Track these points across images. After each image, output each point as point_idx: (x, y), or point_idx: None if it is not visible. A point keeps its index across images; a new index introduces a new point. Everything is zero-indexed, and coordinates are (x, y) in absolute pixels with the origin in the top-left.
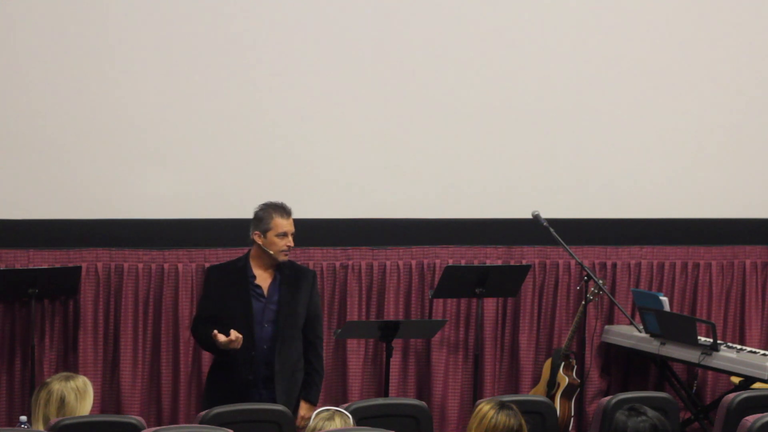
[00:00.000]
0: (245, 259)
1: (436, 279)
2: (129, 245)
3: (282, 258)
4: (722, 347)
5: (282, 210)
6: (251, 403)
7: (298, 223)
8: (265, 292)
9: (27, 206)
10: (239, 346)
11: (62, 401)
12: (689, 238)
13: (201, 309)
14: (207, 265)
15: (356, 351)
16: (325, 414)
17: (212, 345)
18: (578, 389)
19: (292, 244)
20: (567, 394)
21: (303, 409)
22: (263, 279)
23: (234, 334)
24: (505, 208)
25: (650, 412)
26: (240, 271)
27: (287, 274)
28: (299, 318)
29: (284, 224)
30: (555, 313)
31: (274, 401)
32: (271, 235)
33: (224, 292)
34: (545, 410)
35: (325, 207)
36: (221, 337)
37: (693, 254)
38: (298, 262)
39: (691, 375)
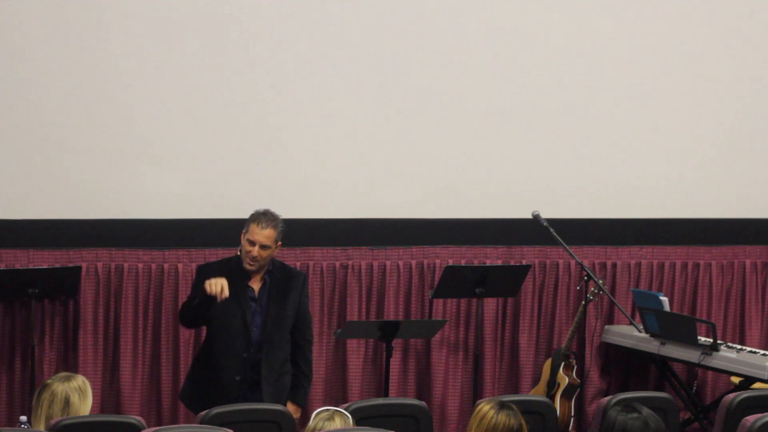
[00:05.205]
0: (237, 259)
1: (436, 279)
2: (129, 245)
3: (247, 265)
4: (722, 347)
5: (262, 218)
6: (251, 403)
7: (298, 222)
8: (256, 293)
9: (27, 206)
10: (225, 297)
11: (67, 402)
12: (689, 238)
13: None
14: None
15: (356, 351)
16: (324, 414)
17: (198, 310)
18: (578, 389)
19: (255, 254)
20: (567, 394)
21: (289, 410)
22: (254, 281)
23: (221, 282)
24: (505, 208)
25: (645, 411)
26: (234, 270)
27: (277, 277)
28: (287, 321)
29: (255, 232)
30: (555, 313)
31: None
32: (244, 237)
33: None
34: (545, 410)
35: (325, 207)
36: (213, 285)
37: (693, 254)
38: (298, 263)
39: (691, 375)
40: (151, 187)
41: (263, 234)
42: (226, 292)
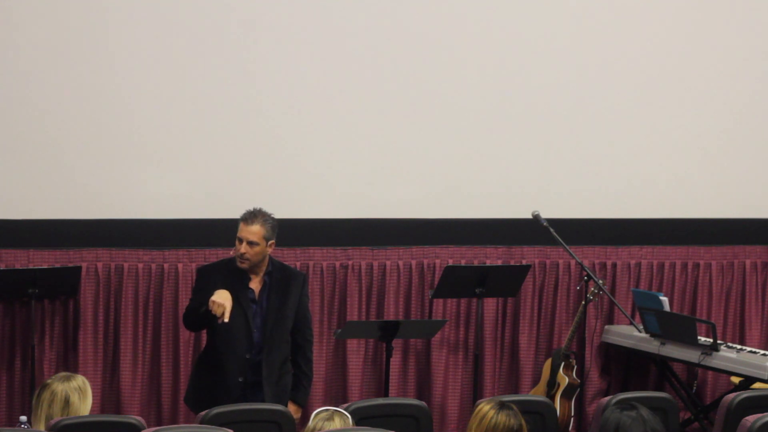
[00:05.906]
0: (236, 260)
1: (436, 279)
2: (129, 245)
3: (238, 263)
4: (722, 347)
5: (249, 215)
6: (251, 403)
7: (298, 222)
8: (256, 295)
9: (27, 206)
10: (225, 319)
11: (67, 401)
12: (689, 238)
13: (195, 301)
14: None
15: (356, 351)
16: (324, 414)
17: (202, 320)
18: (578, 389)
19: (242, 251)
20: (567, 394)
21: (290, 410)
22: (254, 282)
23: (221, 303)
24: (505, 208)
25: (643, 410)
26: (233, 272)
27: (277, 278)
28: (287, 321)
29: (242, 228)
30: (555, 313)
31: None
32: (236, 237)
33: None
34: (545, 410)
35: (325, 207)
36: (216, 307)
37: (693, 254)
38: (298, 263)
39: (691, 375)
40: (151, 187)
41: (249, 230)
42: (227, 317)
